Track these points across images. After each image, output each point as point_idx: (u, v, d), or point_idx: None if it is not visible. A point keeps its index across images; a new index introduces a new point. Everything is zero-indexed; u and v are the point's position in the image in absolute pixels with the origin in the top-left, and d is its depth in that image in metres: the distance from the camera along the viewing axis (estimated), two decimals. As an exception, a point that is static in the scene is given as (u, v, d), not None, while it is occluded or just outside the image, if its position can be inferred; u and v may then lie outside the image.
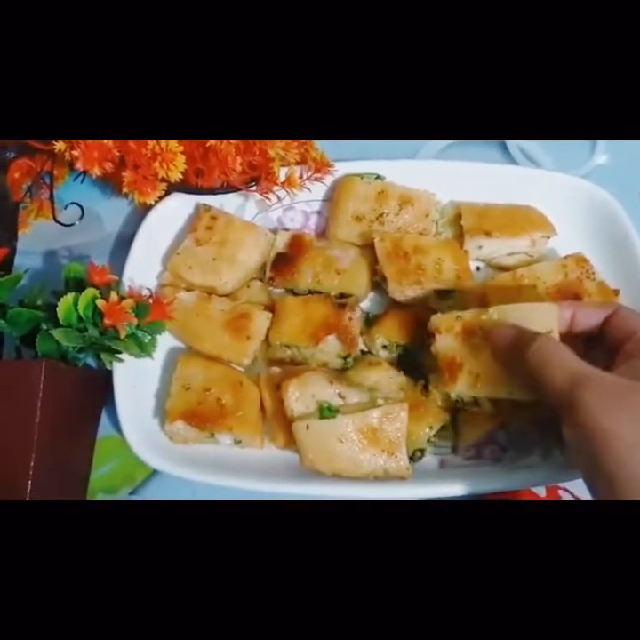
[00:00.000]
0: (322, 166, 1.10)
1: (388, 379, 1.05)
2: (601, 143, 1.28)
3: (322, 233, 1.19)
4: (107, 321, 0.91)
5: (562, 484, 1.07)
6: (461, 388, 0.94)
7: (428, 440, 1.04)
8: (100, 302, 0.91)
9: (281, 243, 1.14)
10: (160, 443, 1.05)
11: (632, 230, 1.11)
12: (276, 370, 1.07)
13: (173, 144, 0.97)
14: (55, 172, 1.10)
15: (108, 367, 1.01)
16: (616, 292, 1.08)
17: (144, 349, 0.98)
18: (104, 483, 1.08)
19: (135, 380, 1.07)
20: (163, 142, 0.96)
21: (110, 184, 1.20)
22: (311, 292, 1.12)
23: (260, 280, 1.16)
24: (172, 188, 1.07)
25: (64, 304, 0.91)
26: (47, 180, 1.10)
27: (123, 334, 0.92)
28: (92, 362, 1.08)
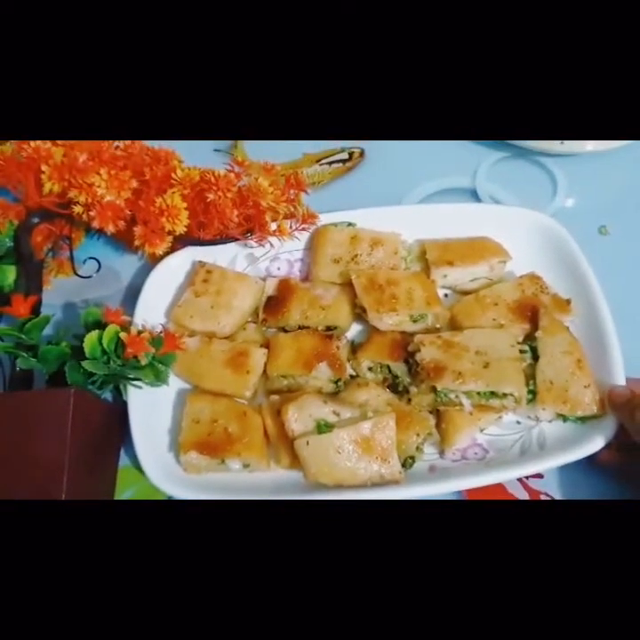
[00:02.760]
0: (308, 217, 1.27)
1: (375, 396, 1.17)
2: (562, 186, 1.45)
3: (305, 277, 1.34)
4: (129, 350, 1.04)
5: (542, 489, 1.17)
6: (447, 383, 1.10)
7: (417, 448, 1.15)
8: (122, 335, 1.05)
9: (270, 288, 1.29)
10: (176, 473, 1.15)
11: (576, 248, 1.26)
12: (275, 398, 1.19)
13: (178, 201, 1.14)
14: (73, 236, 1.27)
15: (125, 398, 1.14)
16: (568, 301, 1.23)
17: (160, 378, 1.11)
18: None
19: (149, 420, 1.18)
20: (168, 200, 1.12)
21: (122, 243, 1.37)
22: (301, 328, 1.26)
23: (254, 322, 1.30)
24: (177, 241, 1.22)
25: (89, 340, 1.04)
26: (66, 242, 1.27)
27: (143, 362, 1.05)
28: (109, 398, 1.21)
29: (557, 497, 1.17)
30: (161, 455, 1.17)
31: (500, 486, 1.16)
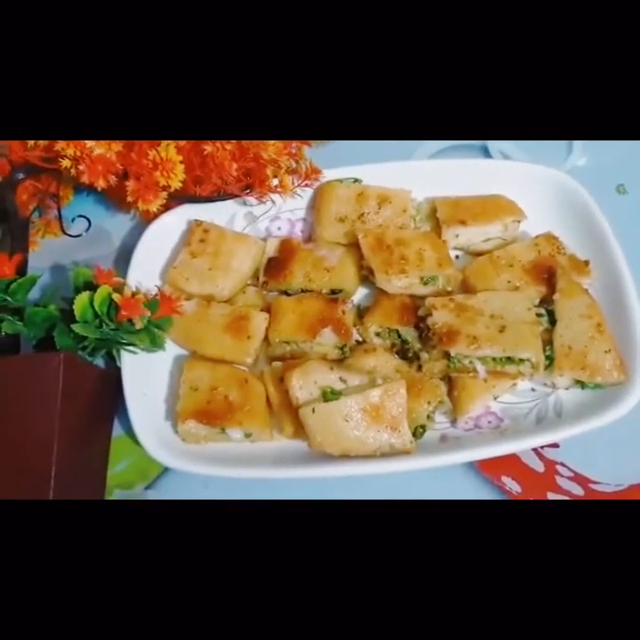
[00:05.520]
0: (311, 173, 1.19)
1: (384, 362, 1.11)
2: (577, 145, 1.38)
3: (308, 237, 1.27)
4: (123, 313, 0.97)
5: (558, 459, 1.12)
6: (460, 348, 1.05)
7: (428, 416, 1.09)
8: (116, 296, 0.98)
9: (271, 248, 1.21)
10: (174, 443, 1.09)
11: (594, 206, 1.20)
12: (278, 364, 1.13)
13: (173, 153, 1.05)
14: (60, 193, 1.19)
15: (119, 364, 1.08)
16: (587, 263, 1.17)
17: (156, 343, 1.05)
18: (120, 479, 1.13)
19: (145, 387, 1.11)
20: (163, 152, 1.04)
21: (114, 201, 1.29)
22: (304, 291, 1.19)
23: (254, 285, 1.23)
24: (172, 198, 1.14)
25: (80, 301, 0.97)
26: (54, 199, 1.19)
27: (138, 326, 0.99)
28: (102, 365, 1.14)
29: (573, 466, 1.11)
30: (157, 424, 1.10)
31: (513, 456, 1.11)
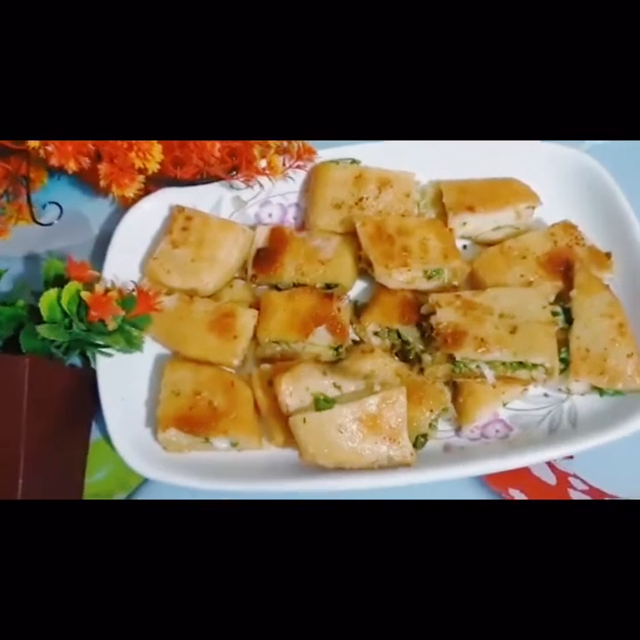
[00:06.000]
0: (304, 153, 1.10)
1: (382, 365, 1.03)
2: None
3: (301, 225, 1.17)
4: (93, 313, 0.89)
5: (571, 471, 1.04)
6: (467, 351, 0.97)
7: (430, 425, 1.01)
8: (84, 294, 0.90)
9: (261, 238, 1.12)
10: (154, 452, 1.01)
11: (617, 191, 1.11)
12: (266, 367, 1.05)
13: (149, 132, 0.97)
14: (32, 176, 1.11)
15: (94, 366, 1.01)
16: (608, 255, 1.08)
17: (132, 344, 0.97)
18: (98, 488, 1.07)
19: (122, 391, 1.04)
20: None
21: (91, 185, 1.20)
22: (296, 285, 1.11)
23: (242, 278, 1.14)
24: (151, 182, 1.06)
25: (46, 299, 0.89)
26: (24, 183, 1.11)
27: (111, 327, 0.91)
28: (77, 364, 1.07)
29: (588, 479, 1.03)
30: (136, 432, 1.03)
31: (523, 467, 1.02)
